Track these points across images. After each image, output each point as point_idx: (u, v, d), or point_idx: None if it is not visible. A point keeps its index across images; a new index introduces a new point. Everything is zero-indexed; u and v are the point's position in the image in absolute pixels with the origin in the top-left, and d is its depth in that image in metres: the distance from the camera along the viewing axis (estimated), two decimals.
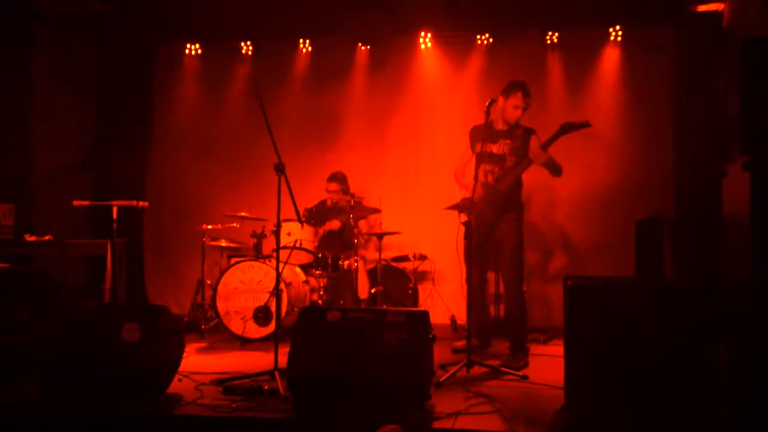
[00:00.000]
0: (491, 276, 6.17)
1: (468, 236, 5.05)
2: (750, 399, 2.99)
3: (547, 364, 4.87)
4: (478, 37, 7.27)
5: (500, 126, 5.16)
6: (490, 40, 7.25)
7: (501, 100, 5.11)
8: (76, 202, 5.75)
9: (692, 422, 3.17)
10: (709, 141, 6.13)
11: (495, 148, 5.12)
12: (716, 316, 3.25)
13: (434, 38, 7.39)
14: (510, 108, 5.08)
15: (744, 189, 2.95)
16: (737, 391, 3.10)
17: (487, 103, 4.80)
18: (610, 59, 7.05)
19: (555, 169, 5.04)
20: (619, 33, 6.97)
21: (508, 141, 5.10)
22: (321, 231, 6.61)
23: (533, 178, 5.59)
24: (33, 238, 5.79)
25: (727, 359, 3.18)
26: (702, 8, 6.37)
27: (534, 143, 5.01)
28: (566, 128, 4.77)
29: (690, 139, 6.50)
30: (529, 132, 5.07)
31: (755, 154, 2.94)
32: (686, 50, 6.61)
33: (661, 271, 5.64)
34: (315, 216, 6.57)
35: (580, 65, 7.08)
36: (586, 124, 4.77)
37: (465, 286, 5.04)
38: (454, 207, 5.18)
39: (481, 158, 5.05)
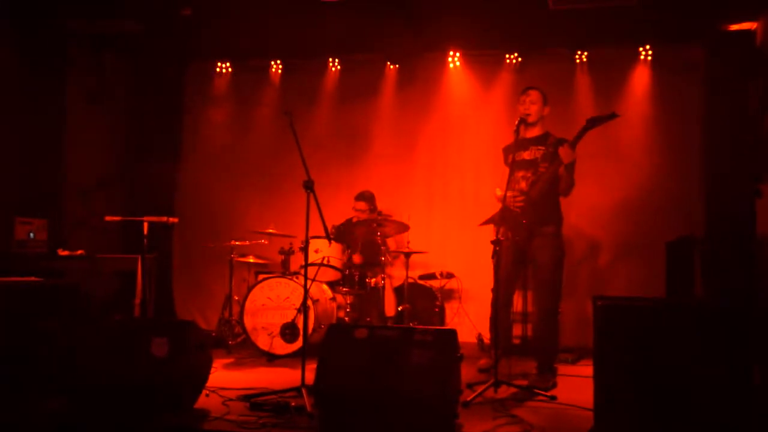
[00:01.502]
0: (519, 294, 6.13)
1: (497, 255, 4.98)
2: None
3: (576, 385, 4.81)
4: (507, 56, 7.29)
5: (530, 134, 5.13)
6: (519, 59, 7.26)
7: (519, 107, 5.12)
8: (108, 218, 5.84)
9: None
10: (742, 160, 6.06)
11: (527, 155, 5.07)
12: (749, 338, 3.20)
13: (463, 57, 7.42)
14: (527, 104, 5.07)
15: None
16: None
17: (516, 122, 4.81)
18: (640, 78, 7.02)
19: (569, 180, 4.92)
20: (649, 52, 6.95)
21: (541, 147, 5.04)
22: (355, 258, 6.46)
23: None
24: (65, 253, 5.88)
25: (763, 382, 3.12)
26: (734, 27, 6.32)
27: (564, 147, 4.90)
28: (593, 122, 4.70)
29: (722, 159, 6.43)
30: (561, 141, 4.96)
31: None
32: (718, 69, 6.56)
33: (691, 291, 5.57)
34: (343, 235, 6.58)
35: (609, 84, 7.05)
36: (613, 116, 4.69)
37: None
38: (489, 221, 5.10)
39: (514, 166, 4.99)
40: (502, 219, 4.90)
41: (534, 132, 5.13)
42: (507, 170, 5.15)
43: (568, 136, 4.89)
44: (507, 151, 5.24)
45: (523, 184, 5.01)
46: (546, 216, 5.00)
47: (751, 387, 3.12)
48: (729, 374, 3.16)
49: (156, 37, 7.23)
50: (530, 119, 5.08)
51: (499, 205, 4.95)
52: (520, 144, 5.06)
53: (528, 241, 5.00)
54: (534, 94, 5.11)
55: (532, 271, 5.21)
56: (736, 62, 6.35)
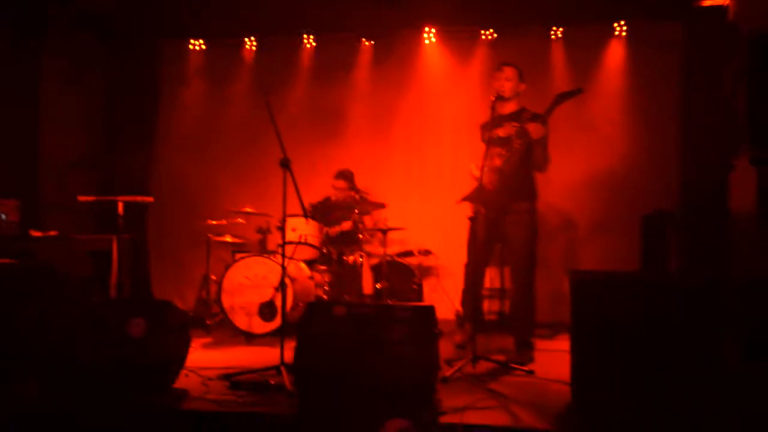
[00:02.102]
0: (495, 270, 6.19)
1: (472, 231, 5.01)
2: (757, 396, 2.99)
3: (553, 360, 4.85)
4: (483, 32, 7.27)
5: (505, 110, 5.12)
6: (495, 35, 7.26)
7: (494, 83, 5.11)
8: (81, 198, 5.76)
9: (698, 417, 3.16)
10: (717, 136, 6.12)
11: (501, 132, 5.07)
12: (722, 312, 3.25)
13: (439, 33, 7.39)
14: (503, 81, 5.07)
15: (751, 183, 2.94)
16: (744, 389, 3.09)
17: (492, 98, 4.81)
18: (615, 54, 7.05)
19: (543, 156, 4.95)
20: (624, 28, 6.97)
21: (515, 124, 5.03)
22: (333, 231, 6.59)
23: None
24: (38, 234, 5.80)
25: (734, 354, 3.17)
26: (707, 3, 6.35)
27: (533, 122, 4.91)
28: (560, 98, 4.75)
29: (697, 134, 6.50)
30: (536, 116, 4.95)
31: (762, 149, 2.93)
32: (694, 45, 6.60)
33: (666, 265, 5.64)
34: (320, 213, 6.57)
35: (584, 60, 7.08)
36: (578, 91, 4.76)
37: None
38: (467, 198, 5.10)
39: (490, 143, 4.99)
40: (477, 196, 4.92)
41: (509, 108, 5.13)
42: (484, 147, 5.16)
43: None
44: (484, 128, 5.23)
45: (497, 162, 5.01)
46: (520, 192, 5.02)
47: (722, 360, 3.18)
48: (702, 348, 3.22)
49: (129, 15, 7.12)
50: (505, 95, 5.07)
51: (476, 183, 4.96)
52: (496, 121, 5.06)
53: (502, 217, 5.01)
54: (509, 71, 5.10)
55: (506, 248, 5.24)
56: (712, 38, 6.37)
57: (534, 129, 4.81)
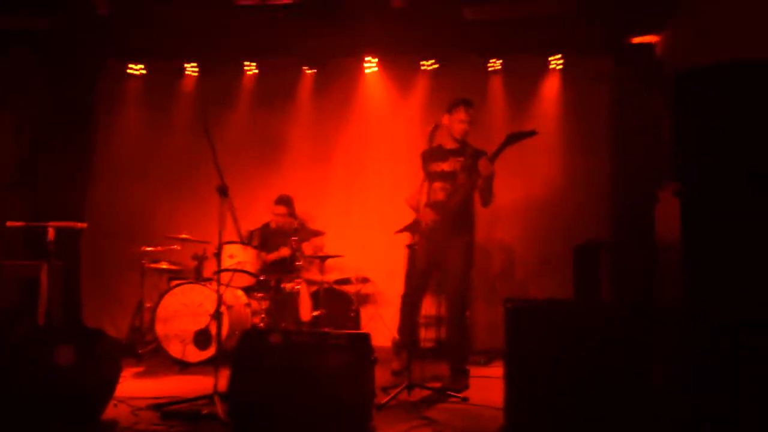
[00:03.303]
0: (431, 298, 6.23)
1: (410, 260, 5.07)
2: (684, 420, 3.07)
3: (488, 386, 4.89)
4: (423, 62, 7.39)
5: (450, 145, 5.18)
6: (435, 65, 7.38)
7: (446, 118, 5.14)
8: (9, 223, 5.60)
9: None
10: (645, 166, 6.32)
11: (446, 166, 5.12)
12: (651, 337, 3.34)
13: (380, 63, 7.49)
14: (456, 123, 5.10)
15: (675, 215, 3.05)
16: (672, 412, 3.18)
17: (430, 129, 4.86)
18: (551, 86, 7.25)
19: (489, 193, 5.01)
20: (560, 62, 7.18)
21: (459, 159, 5.10)
22: (269, 258, 6.55)
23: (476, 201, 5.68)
24: None
25: (662, 380, 3.26)
26: (637, 40, 6.59)
27: (483, 159, 5.02)
28: (512, 138, 4.75)
29: (627, 164, 6.71)
30: (479, 153, 5.04)
31: (685, 182, 3.04)
32: (624, 79, 6.84)
33: (598, 294, 5.76)
34: (260, 239, 6.52)
35: (522, 91, 7.26)
36: (532, 133, 4.78)
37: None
38: (405, 229, 5.16)
39: (433, 177, 5.07)
40: (416, 228, 4.98)
41: (453, 143, 5.19)
42: (422, 177, 5.21)
43: (483, 143, 4.99)
44: (426, 158, 5.24)
45: (441, 195, 5.07)
46: (460, 225, 5.08)
47: (650, 385, 3.26)
48: (631, 373, 3.30)
49: (65, 35, 6.99)
50: (455, 136, 5.13)
51: (415, 215, 5.02)
52: (439, 154, 5.13)
53: (440, 249, 5.05)
54: (463, 114, 5.09)
55: (442, 278, 5.27)
56: (641, 74, 6.61)
57: (484, 167, 4.84)
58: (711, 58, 3.13)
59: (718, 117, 3.06)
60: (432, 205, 5.00)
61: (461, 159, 5.10)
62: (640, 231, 5.67)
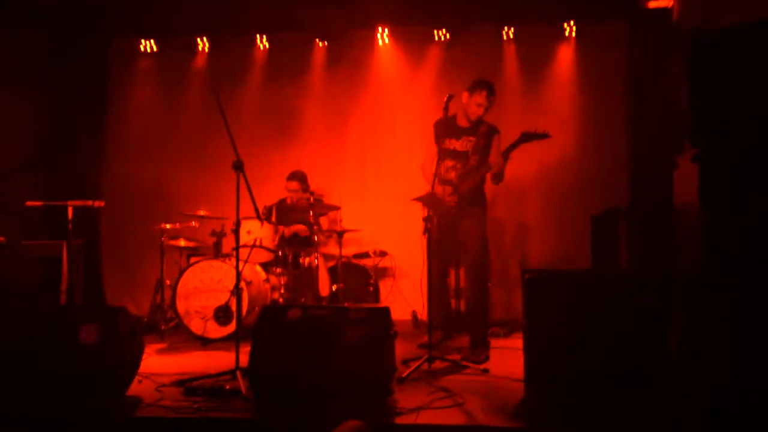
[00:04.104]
0: (452, 271, 6.24)
1: (428, 231, 5.08)
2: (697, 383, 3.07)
3: (508, 357, 4.93)
4: (435, 32, 7.32)
5: (463, 122, 5.19)
6: (447, 35, 7.31)
7: (465, 95, 5.14)
8: (29, 203, 5.64)
9: (647, 411, 3.24)
10: (662, 133, 6.26)
11: (458, 145, 5.15)
12: (668, 305, 3.33)
13: (392, 34, 7.42)
14: (473, 105, 5.09)
15: (693, 181, 3.02)
16: (687, 378, 3.18)
17: (445, 98, 4.84)
18: (565, 54, 7.17)
19: (500, 177, 5.10)
20: (573, 28, 7.09)
21: (472, 138, 5.13)
22: (286, 232, 6.58)
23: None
24: None
25: (678, 345, 3.26)
26: (653, 4, 6.48)
27: (496, 145, 5.07)
28: (526, 137, 4.90)
29: (643, 132, 6.62)
30: (493, 131, 5.11)
31: (703, 147, 3.01)
32: (639, 45, 6.73)
33: (617, 263, 5.75)
34: (276, 215, 6.54)
35: (535, 60, 7.18)
36: (545, 135, 4.91)
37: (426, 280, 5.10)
38: (419, 199, 5.18)
39: (444, 154, 5.11)
40: (429, 203, 5.01)
41: (466, 122, 5.20)
42: (430, 143, 5.29)
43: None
44: (438, 130, 5.26)
45: (452, 174, 5.11)
46: (472, 200, 5.15)
47: (666, 351, 3.27)
48: (650, 342, 3.30)
49: (76, 12, 6.97)
50: (471, 119, 5.15)
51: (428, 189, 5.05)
52: (452, 130, 5.12)
53: (456, 222, 5.12)
54: (482, 97, 5.08)
55: (461, 251, 5.34)
56: (656, 39, 6.51)
57: (495, 162, 4.95)
58: (729, 22, 3.07)
59: (737, 80, 3.01)
60: (443, 181, 5.04)
61: (473, 138, 5.13)
62: (658, 198, 5.63)
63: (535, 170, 6.96)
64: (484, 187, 5.24)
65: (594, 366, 3.36)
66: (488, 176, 5.13)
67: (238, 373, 4.06)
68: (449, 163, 5.12)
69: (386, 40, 7.43)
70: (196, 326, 5.78)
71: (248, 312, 5.68)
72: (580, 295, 3.47)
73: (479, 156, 5.08)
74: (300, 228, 6.57)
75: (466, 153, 5.13)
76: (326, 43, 7.55)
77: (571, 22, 7.07)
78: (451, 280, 6.08)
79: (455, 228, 5.15)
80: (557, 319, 3.46)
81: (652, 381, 3.26)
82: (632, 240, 5.70)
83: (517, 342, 4.98)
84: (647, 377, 3.28)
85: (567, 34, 7.12)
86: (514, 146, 4.94)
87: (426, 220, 4.77)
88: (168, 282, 6.35)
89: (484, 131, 5.12)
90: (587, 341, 3.39)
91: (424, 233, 4.69)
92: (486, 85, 5.11)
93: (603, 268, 5.66)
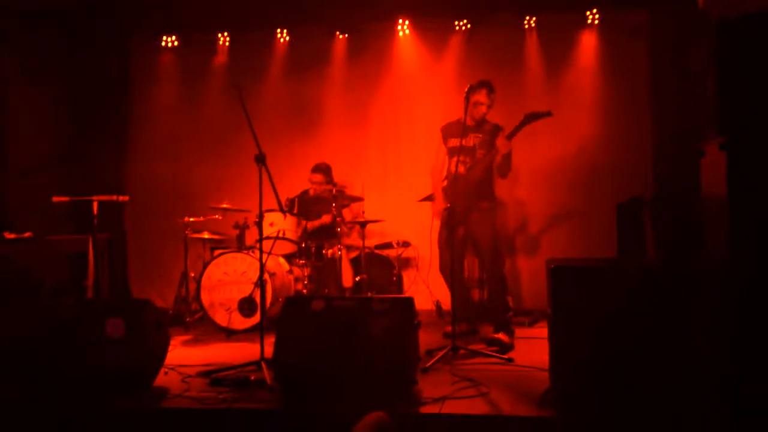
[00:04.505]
0: (472, 261, 6.27)
1: (443, 225, 5.22)
2: (727, 378, 3.03)
3: (532, 347, 4.90)
4: (456, 23, 7.27)
5: (469, 122, 5.23)
6: (468, 25, 7.26)
7: (472, 96, 5.17)
8: (55, 198, 5.71)
9: (674, 401, 3.21)
10: (688, 121, 6.18)
11: (465, 141, 5.24)
12: (696, 296, 3.29)
13: (412, 25, 7.38)
14: (475, 104, 5.17)
15: (721, 169, 2.97)
16: (716, 371, 3.14)
17: (466, 89, 4.86)
18: (588, 42, 7.09)
19: (507, 167, 5.17)
20: (596, 16, 7.01)
21: (478, 135, 5.25)
22: (310, 225, 6.59)
23: (520, 158, 5.82)
24: (12, 236, 5.73)
25: (706, 342, 3.22)
26: None
27: (500, 137, 5.10)
28: (529, 118, 4.94)
29: (668, 120, 6.55)
30: (497, 128, 5.21)
31: (731, 135, 2.96)
32: (663, 32, 6.66)
33: (643, 252, 5.70)
34: (299, 207, 6.57)
35: (557, 49, 7.11)
36: (547, 114, 4.96)
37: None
38: (427, 199, 5.37)
39: (453, 152, 5.19)
40: (445, 195, 5.12)
41: (471, 121, 5.26)
42: (439, 145, 5.48)
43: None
44: (445, 133, 5.43)
45: (461, 168, 5.16)
46: (481, 194, 5.23)
47: (695, 346, 3.23)
48: (676, 333, 3.27)
49: (95, 9, 7.02)
50: (475, 117, 5.24)
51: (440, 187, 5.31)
52: (458, 131, 5.21)
53: (467, 215, 5.21)
54: (483, 96, 5.19)
55: (473, 245, 5.50)
56: (681, 25, 6.43)
57: (502, 144, 5.02)
58: (755, 8, 3.02)
59: (764, 66, 2.96)
60: (453, 178, 5.07)
61: (480, 135, 5.25)
62: (685, 187, 5.57)
63: (559, 157, 6.92)
64: (493, 184, 5.35)
65: (619, 356, 3.33)
66: (495, 170, 5.22)
67: (263, 364, 4.09)
68: (458, 158, 5.15)
69: (407, 31, 7.39)
70: (220, 318, 5.83)
71: (272, 303, 5.71)
72: (606, 285, 3.45)
73: (485, 150, 5.20)
74: (325, 220, 6.59)
75: (473, 147, 5.25)
76: (346, 35, 7.53)
77: (594, 10, 6.98)
78: (475, 270, 6.09)
79: (466, 222, 5.25)
80: (582, 309, 3.43)
81: (678, 374, 3.23)
82: (658, 229, 5.65)
83: (542, 332, 4.96)
84: (672, 370, 3.25)
85: (589, 21, 7.04)
86: (518, 128, 4.98)
87: (442, 212, 4.87)
88: (192, 274, 6.39)
89: (488, 129, 5.25)
90: (612, 331, 3.36)
91: (441, 225, 4.73)
92: (484, 84, 5.22)
93: (629, 258, 5.62)
